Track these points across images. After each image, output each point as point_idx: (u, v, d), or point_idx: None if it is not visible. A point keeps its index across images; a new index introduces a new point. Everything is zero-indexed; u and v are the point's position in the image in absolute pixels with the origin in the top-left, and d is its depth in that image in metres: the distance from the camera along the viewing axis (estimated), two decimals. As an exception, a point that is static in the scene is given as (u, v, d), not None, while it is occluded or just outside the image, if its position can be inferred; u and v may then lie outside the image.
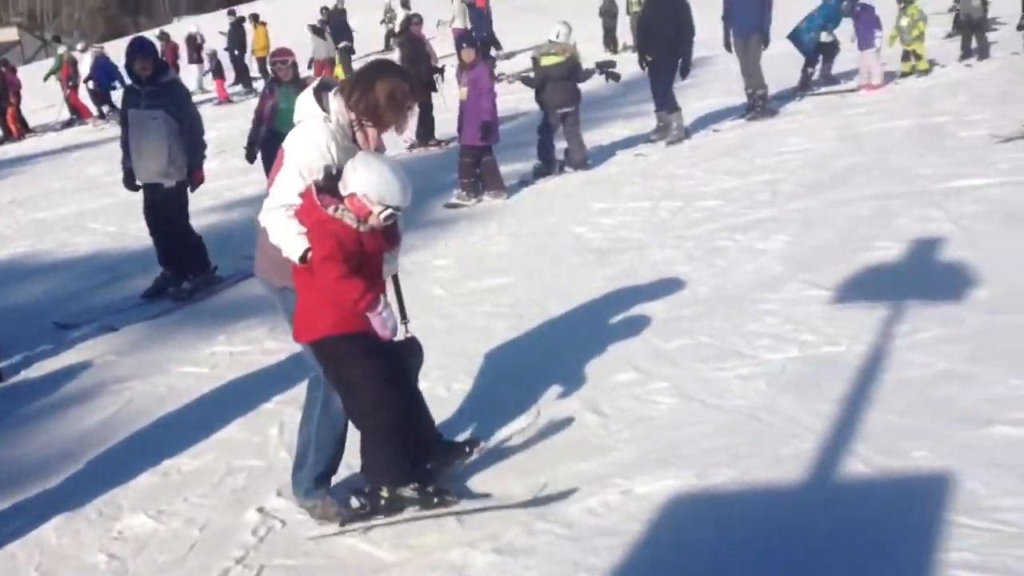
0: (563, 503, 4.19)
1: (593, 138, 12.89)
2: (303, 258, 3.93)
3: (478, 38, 15.23)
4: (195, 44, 27.24)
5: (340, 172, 3.96)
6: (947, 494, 3.82)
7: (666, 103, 12.31)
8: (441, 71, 14.91)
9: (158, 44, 24.89)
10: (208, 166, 9.06)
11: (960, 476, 3.92)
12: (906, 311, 5.71)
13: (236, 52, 27.28)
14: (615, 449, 4.64)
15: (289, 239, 3.95)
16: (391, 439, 4.15)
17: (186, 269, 8.40)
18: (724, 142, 12.13)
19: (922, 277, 6.37)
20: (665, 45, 11.98)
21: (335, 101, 4.08)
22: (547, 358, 5.93)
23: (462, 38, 11.74)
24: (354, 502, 4.30)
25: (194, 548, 4.27)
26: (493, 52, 23.30)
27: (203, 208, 11.60)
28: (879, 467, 4.12)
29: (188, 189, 8.21)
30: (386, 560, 3.99)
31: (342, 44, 24.74)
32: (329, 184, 3.94)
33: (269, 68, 10.32)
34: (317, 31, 23.99)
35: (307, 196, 3.94)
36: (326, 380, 4.25)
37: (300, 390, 5.74)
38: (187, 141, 7.97)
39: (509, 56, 25.14)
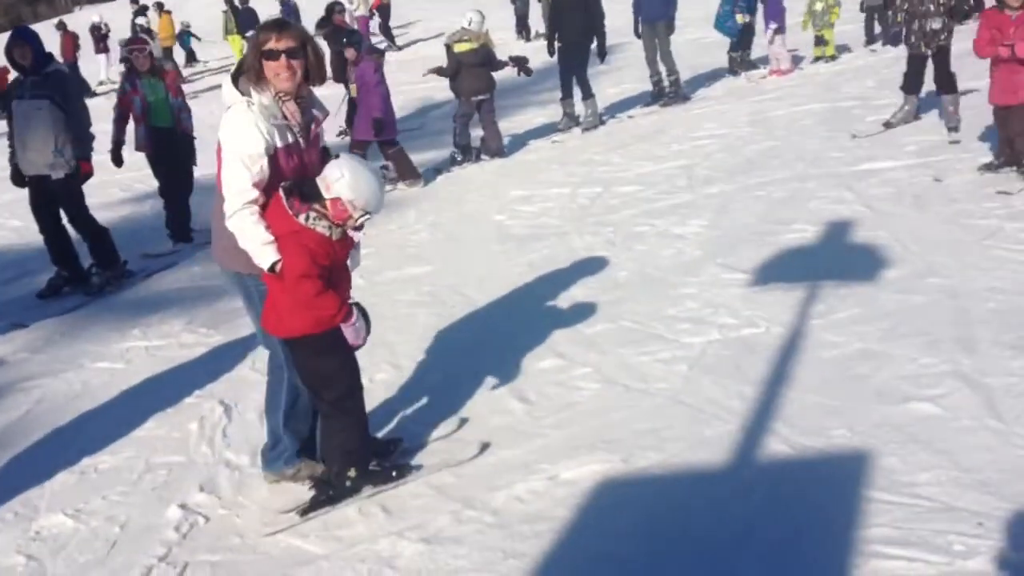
0: (490, 491, 4.19)
1: (509, 126, 12.90)
2: (272, 268, 3.88)
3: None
4: (100, 34, 26.53)
5: (276, 153, 3.92)
6: (866, 471, 3.91)
7: (581, 89, 12.38)
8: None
9: (56, 34, 24.33)
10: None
11: (878, 453, 4.02)
12: (822, 292, 5.83)
13: (141, 41, 26.67)
14: (541, 435, 4.64)
15: (258, 248, 3.88)
16: (360, 422, 4.30)
17: (95, 261, 8.20)
18: (640, 128, 12.23)
19: (837, 258, 6.50)
20: (576, 31, 12.04)
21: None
22: (470, 346, 5.92)
23: (342, 35, 11.44)
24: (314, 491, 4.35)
25: (115, 547, 4.17)
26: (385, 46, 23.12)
27: (114, 200, 11.38)
28: (800, 446, 4.19)
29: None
30: (314, 552, 3.95)
31: (250, 33, 24.59)
32: (295, 186, 3.89)
33: (123, 57, 9.74)
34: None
35: (276, 202, 3.88)
36: (290, 367, 4.28)
37: (219, 384, 5.75)
38: (73, 132, 7.69)
39: (401, 47, 24.94)
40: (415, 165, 10.88)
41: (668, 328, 5.73)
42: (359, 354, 4.25)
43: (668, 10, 13.01)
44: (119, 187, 11.88)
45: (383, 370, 5.68)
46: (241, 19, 25.06)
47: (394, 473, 4.39)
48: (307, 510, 4.23)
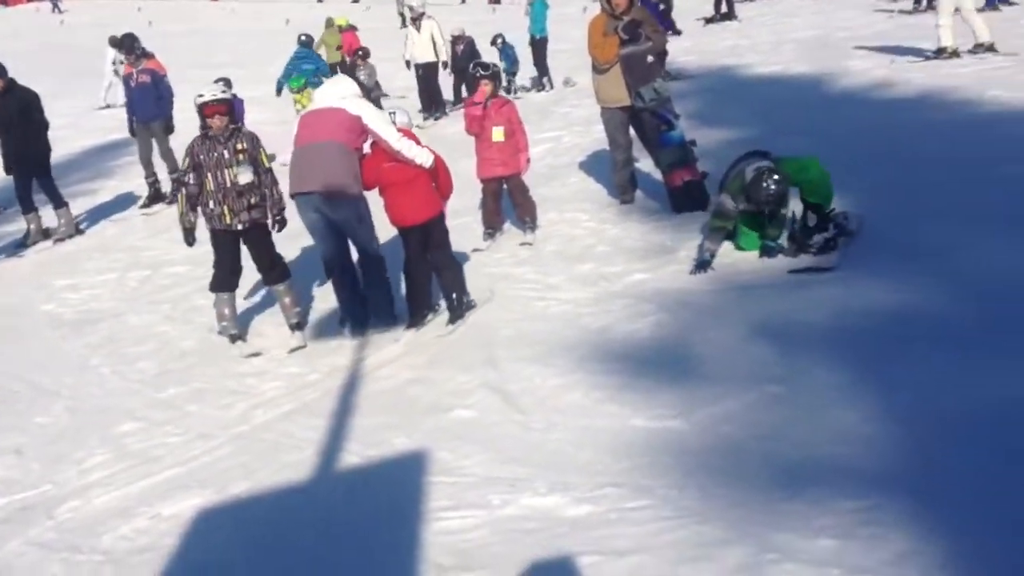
0: (95, 536, 4.52)
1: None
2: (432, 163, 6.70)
3: None
4: None
5: None
6: (425, 464, 4.75)
7: (49, 199, 11.32)
8: None
9: None
10: None
11: (433, 450, 4.89)
12: (373, 338, 6.68)
13: None
14: (131, 484, 5.02)
15: (425, 153, 6.67)
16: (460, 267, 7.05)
17: None
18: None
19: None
20: (13, 147, 10.89)
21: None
22: (47, 423, 6.04)
23: None
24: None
25: None
26: None
27: None
28: (369, 456, 4.97)
29: None
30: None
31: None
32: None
33: None
34: None
35: (408, 133, 6.80)
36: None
37: None
38: None
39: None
40: None
41: (239, 383, 6.28)
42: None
43: (163, 109, 12.51)
44: None
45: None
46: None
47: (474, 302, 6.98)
48: (452, 321, 6.68)
